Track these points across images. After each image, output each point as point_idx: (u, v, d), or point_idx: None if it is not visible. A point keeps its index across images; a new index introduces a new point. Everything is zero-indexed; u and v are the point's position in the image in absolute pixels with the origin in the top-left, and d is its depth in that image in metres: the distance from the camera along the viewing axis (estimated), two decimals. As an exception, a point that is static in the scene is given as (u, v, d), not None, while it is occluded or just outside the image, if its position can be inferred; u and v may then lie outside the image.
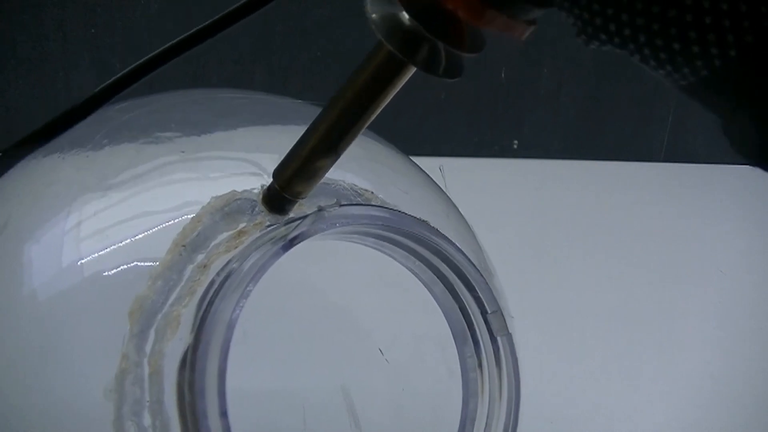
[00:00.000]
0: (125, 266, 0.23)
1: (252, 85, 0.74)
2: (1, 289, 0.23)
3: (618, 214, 0.72)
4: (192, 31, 0.21)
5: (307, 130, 0.22)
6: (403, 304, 0.30)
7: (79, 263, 0.23)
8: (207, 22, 0.21)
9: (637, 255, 0.64)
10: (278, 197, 0.23)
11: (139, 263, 0.23)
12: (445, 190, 0.31)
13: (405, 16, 0.19)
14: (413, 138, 0.78)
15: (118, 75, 0.21)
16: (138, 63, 0.21)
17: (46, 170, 0.26)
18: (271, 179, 0.23)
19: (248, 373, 0.33)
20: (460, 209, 0.31)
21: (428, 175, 0.31)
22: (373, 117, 0.21)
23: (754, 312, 0.57)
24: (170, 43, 0.21)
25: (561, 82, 0.82)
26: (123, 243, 0.23)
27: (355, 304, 0.34)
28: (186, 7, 0.68)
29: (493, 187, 0.75)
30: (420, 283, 0.28)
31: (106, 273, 0.23)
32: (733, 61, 0.14)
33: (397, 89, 0.21)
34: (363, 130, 0.22)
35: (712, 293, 0.59)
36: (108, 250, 0.23)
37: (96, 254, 0.23)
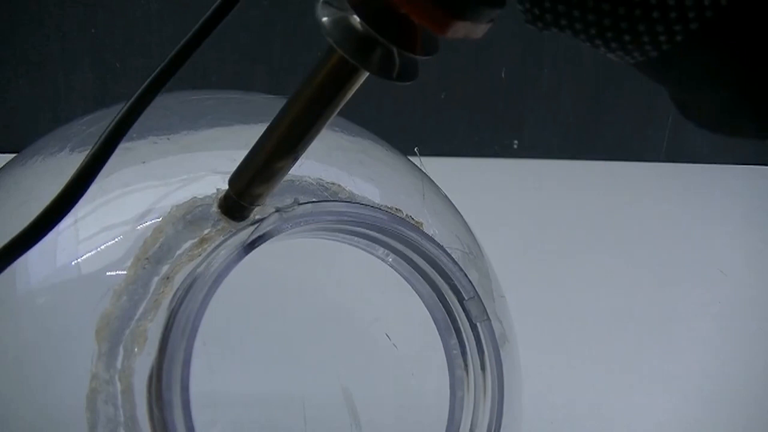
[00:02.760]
0: (95, 280, 0.22)
1: (252, 85, 0.74)
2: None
3: (618, 214, 0.72)
4: (186, 37, 0.20)
5: (261, 137, 0.21)
6: (402, 301, 0.30)
7: (73, 263, 0.23)
8: (201, 22, 0.20)
9: (637, 255, 0.64)
10: (235, 205, 0.22)
11: (108, 273, 0.22)
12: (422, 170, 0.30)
13: (356, 19, 0.18)
14: (413, 138, 0.78)
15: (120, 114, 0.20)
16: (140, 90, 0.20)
17: (23, 187, 0.25)
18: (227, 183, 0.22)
19: (247, 376, 0.33)
20: (460, 209, 0.30)
21: (403, 156, 0.30)
22: (330, 119, 0.21)
23: (754, 312, 0.57)
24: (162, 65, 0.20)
25: (561, 82, 0.82)
26: (92, 253, 0.23)
27: (353, 303, 0.33)
28: (186, 6, 0.68)
29: (493, 187, 0.75)
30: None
31: (83, 280, 0.23)
32: (682, 42, 0.15)
33: (353, 91, 0.20)
34: (320, 132, 0.21)
35: (712, 293, 0.59)
36: (86, 256, 0.23)
37: (82, 258, 0.23)
